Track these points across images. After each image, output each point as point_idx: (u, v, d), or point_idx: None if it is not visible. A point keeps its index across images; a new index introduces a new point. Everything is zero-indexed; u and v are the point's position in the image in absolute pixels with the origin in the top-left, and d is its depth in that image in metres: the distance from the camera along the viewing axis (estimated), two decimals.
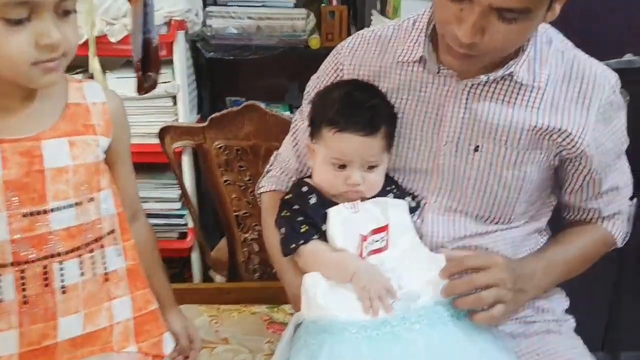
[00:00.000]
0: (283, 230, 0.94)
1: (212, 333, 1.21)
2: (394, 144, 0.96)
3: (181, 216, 1.90)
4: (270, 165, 1.14)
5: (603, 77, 0.91)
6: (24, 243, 0.73)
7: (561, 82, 0.90)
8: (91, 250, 0.79)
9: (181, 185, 1.50)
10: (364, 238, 0.88)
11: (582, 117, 0.89)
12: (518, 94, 0.90)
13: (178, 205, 1.89)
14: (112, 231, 0.83)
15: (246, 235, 1.45)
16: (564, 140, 0.90)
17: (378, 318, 0.83)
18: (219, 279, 1.63)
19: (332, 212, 0.90)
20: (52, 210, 0.74)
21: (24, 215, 0.72)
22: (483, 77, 0.88)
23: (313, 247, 0.90)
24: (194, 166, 1.82)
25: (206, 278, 1.88)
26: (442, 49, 0.87)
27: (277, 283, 1.30)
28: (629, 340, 1.83)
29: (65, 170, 0.75)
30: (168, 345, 0.91)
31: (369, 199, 0.93)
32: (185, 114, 1.79)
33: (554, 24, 0.92)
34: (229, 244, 1.48)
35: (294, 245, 0.91)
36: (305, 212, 0.92)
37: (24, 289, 0.73)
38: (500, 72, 0.88)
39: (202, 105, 2.05)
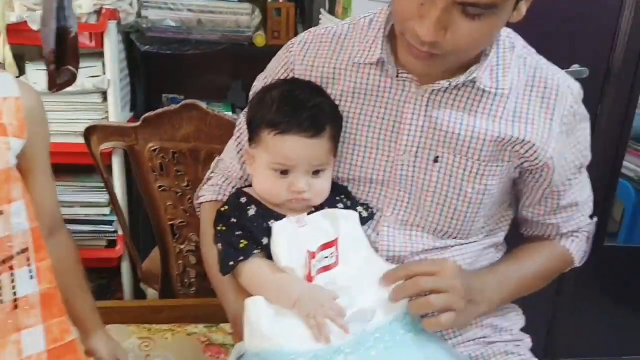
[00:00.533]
0: (219, 246, 0.84)
1: (142, 357, 1.09)
2: (347, 151, 0.89)
3: (110, 222, 1.75)
4: (211, 172, 1.04)
5: (566, 86, 0.87)
6: None
7: (523, 89, 0.86)
8: None
9: (109, 190, 1.36)
10: (312, 255, 0.79)
11: (545, 127, 0.85)
12: (480, 101, 0.85)
13: (106, 210, 1.74)
14: (25, 250, 0.71)
15: (182, 246, 1.33)
16: (526, 151, 0.85)
17: (330, 346, 0.75)
18: (150, 292, 1.50)
19: (276, 226, 0.82)
20: None
21: None
22: (444, 83, 0.83)
23: (253, 267, 0.81)
24: (125, 168, 1.68)
25: (137, 291, 1.73)
26: (402, 49, 0.81)
27: (216, 300, 1.19)
28: (568, 348, 1.87)
29: None
30: None
31: (316, 211, 0.85)
32: (116, 112, 1.64)
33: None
34: (162, 255, 1.35)
35: (232, 263, 0.82)
36: (244, 225, 0.83)
37: None
38: (462, 78, 0.83)
39: (135, 102, 1.90)
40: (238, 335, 0.83)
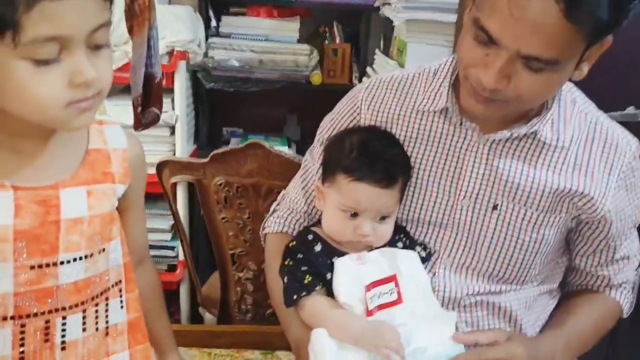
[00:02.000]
0: (286, 279, 0.90)
1: None
2: (409, 193, 0.93)
3: (172, 248, 1.85)
4: (277, 205, 1.10)
5: (625, 142, 0.90)
6: (27, 296, 0.67)
7: (584, 144, 0.88)
8: (97, 305, 0.74)
9: (175, 217, 1.45)
10: (367, 289, 0.84)
11: (604, 181, 0.88)
12: (540, 153, 0.88)
13: (168, 236, 1.85)
14: (118, 282, 0.78)
15: (240, 274, 1.41)
16: (585, 204, 0.88)
17: None
18: (208, 317, 1.58)
19: (338, 262, 0.87)
20: (61, 262, 0.69)
21: (32, 268, 0.67)
22: (506, 133, 0.87)
23: (315, 303, 0.87)
24: (188, 197, 1.79)
25: (194, 314, 1.82)
26: (464, 92, 0.84)
27: (272, 327, 1.27)
28: None
29: (80, 222, 0.70)
30: None
31: (376, 248, 0.90)
32: (182, 145, 1.76)
33: None
34: (222, 281, 1.43)
35: (295, 297, 0.87)
36: (310, 261, 0.89)
37: (21, 344, 0.68)
38: (523, 130, 0.86)
39: (199, 135, 2.02)
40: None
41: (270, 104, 2.11)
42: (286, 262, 0.91)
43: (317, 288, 0.87)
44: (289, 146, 2.01)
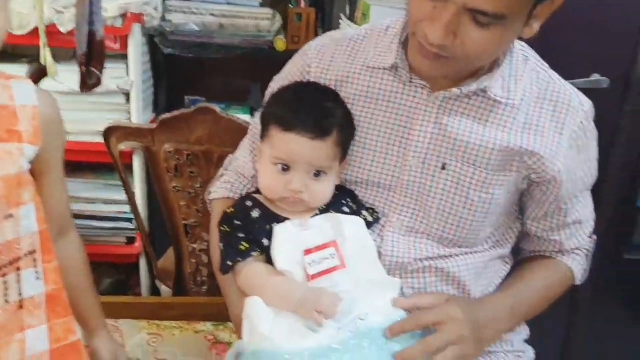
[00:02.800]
0: (221, 246, 0.87)
1: (150, 353, 1.12)
2: (356, 154, 0.90)
3: (130, 220, 1.80)
4: (224, 169, 1.06)
5: (578, 102, 0.87)
6: None
7: (534, 102, 0.86)
8: (4, 275, 0.69)
9: (126, 188, 1.40)
10: (305, 253, 0.81)
11: (555, 140, 0.85)
12: (491, 111, 0.85)
13: (127, 208, 1.79)
14: (32, 251, 0.73)
15: (194, 245, 1.36)
16: (534, 163, 0.85)
17: (325, 345, 0.76)
18: (164, 290, 1.53)
19: (278, 228, 0.83)
20: None
21: None
22: (456, 90, 0.84)
23: (252, 268, 0.83)
24: (147, 168, 1.73)
25: (154, 287, 1.78)
26: (412, 49, 0.82)
27: (223, 299, 1.24)
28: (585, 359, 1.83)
29: None
30: None
31: (320, 214, 0.86)
32: (138, 112, 1.69)
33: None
34: (176, 253, 1.39)
35: (230, 263, 0.84)
36: (247, 228, 0.85)
37: None
38: (473, 86, 0.84)
39: (157, 104, 1.95)
40: (240, 334, 0.85)
41: (233, 71, 2.05)
42: (223, 228, 0.87)
43: (254, 254, 0.83)
44: (252, 115, 1.95)
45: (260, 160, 0.88)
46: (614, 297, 1.74)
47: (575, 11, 1.50)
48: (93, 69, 1.15)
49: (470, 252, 0.91)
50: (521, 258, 1.00)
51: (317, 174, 0.84)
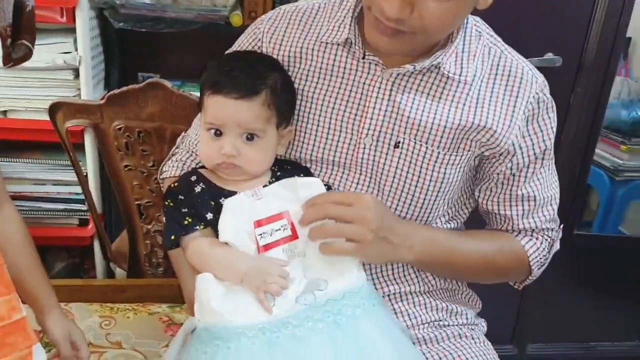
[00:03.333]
0: (165, 220, 0.85)
1: (102, 336, 1.09)
2: (311, 132, 0.89)
3: (82, 201, 1.73)
4: (176, 148, 1.03)
5: (530, 75, 0.87)
6: None
7: (487, 78, 0.86)
8: None
9: (75, 168, 1.35)
10: (255, 225, 0.80)
11: (508, 114, 0.85)
12: (444, 88, 0.85)
13: (79, 189, 1.72)
14: None
15: (149, 226, 1.33)
16: (487, 139, 0.85)
17: (278, 318, 0.76)
18: (119, 272, 1.50)
19: (227, 202, 0.81)
20: None
21: None
22: (409, 67, 0.83)
23: (197, 243, 0.82)
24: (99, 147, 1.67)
25: (109, 270, 1.73)
26: (368, 24, 0.80)
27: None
28: (535, 333, 1.90)
29: None
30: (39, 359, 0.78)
31: (276, 181, 0.85)
32: (88, 89, 1.62)
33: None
34: (130, 235, 1.35)
35: (173, 237, 0.82)
36: (190, 203, 0.83)
37: None
38: (427, 62, 0.83)
39: (110, 81, 1.87)
40: (192, 312, 0.84)
41: (189, 48, 1.98)
42: (167, 203, 0.85)
43: (198, 228, 0.81)
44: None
45: (201, 131, 0.86)
46: (564, 271, 1.80)
47: None
48: (24, 41, 1.08)
49: None
50: None
51: (251, 137, 0.82)
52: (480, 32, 0.88)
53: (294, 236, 0.81)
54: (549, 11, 1.53)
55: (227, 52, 0.97)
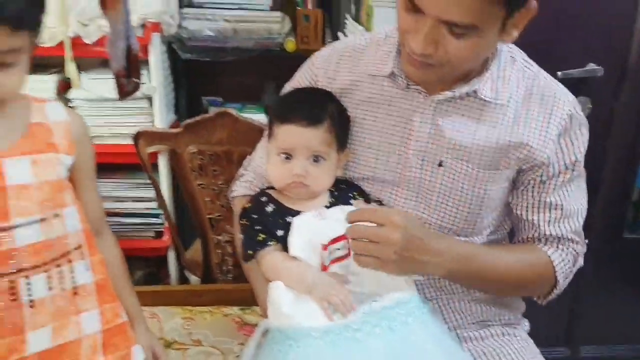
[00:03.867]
0: (242, 237, 0.98)
1: (185, 335, 1.24)
2: (362, 153, 0.99)
3: (157, 215, 1.92)
4: (244, 170, 1.16)
5: (563, 94, 0.95)
6: None
7: (522, 99, 0.94)
8: (58, 265, 0.81)
9: (154, 186, 1.52)
10: (324, 248, 0.91)
11: (543, 130, 0.93)
12: (482, 110, 0.93)
13: (154, 204, 1.91)
14: (79, 246, 0.85)
15: (219, 237, 1.48)
16: (525, 155, 0.93)
17: (340, 323, 0.87)
18: (194, 279, 1.66)
19: (296, 220, 0.93)
20: (16, 226, 0.76)
21: None
22: (449, 93, 0.92)
23: (271, 256, 0.94)
24: (171, 167, 1.85)
25: (182, 278, 1.91)
26: (403, 58, 0.90)
27: (250, 285, 1.36)
28: (589, 335, 1.92)
29: (26, 188, 0.77)
30: (137, 358, 0.93)
31: (331, 206, 0.97)
32: (161, 115, 1.81)
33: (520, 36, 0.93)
34: (203, 246, 1.51)
35: (250, 252, 0.95)
36: (262, 221, 0.96)
37: None
38: (465, 89, 0.92)
39: (178, 106, 2.07)
40: (265, 315, 0.96)
41: (247, 73, 2.15)
42: (242, 222, 0.98)
43: (271, 244, 0.94)
44: (267, 113, 2.05)
45: (268, 156, 0.99)
46: (615, 274, 1.82)
47: (571, 2, 1.57)
48: (134, 78, 1.29)
49: (470, 240, 0.99)
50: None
51: (317, 159, 0.95)
52: (514, 57, 0.96)
53: (349, 254, 0.91)
54: (589, 22, 1.56)
55: (285, 85, 1.10)
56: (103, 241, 0.93)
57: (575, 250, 0.99)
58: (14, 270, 0.76)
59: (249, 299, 1.32)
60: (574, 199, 0.98)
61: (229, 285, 1.47)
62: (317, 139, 0.94)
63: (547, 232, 0.98)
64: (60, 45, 1.66)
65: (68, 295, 0.83)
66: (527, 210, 0.99)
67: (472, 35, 0.80)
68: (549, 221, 0.97)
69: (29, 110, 0.81)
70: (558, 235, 0.98)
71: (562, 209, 0.97)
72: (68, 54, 1.60)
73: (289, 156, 0.95)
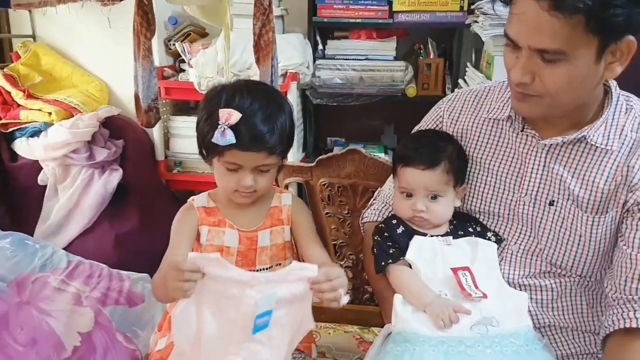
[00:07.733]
0: (375, 251, 1.12)
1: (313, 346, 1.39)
2: (480, 189, 1.10)
3: None
4: (374, 199, 1.32)
5: None
6: None
7: (633, 144, 0.98)
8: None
9: None
10: (454, 271, 1.01)
11: None
12: (593, 156, 0.99)
13: None
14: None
15: (342, 262, 1.63)
16: (633, 193, 0.96)
17: (455, 336, 0.96)
18: (314, 299, 1.81)
19: (415, 239, 1.06)
20: (257, 270, 1.09)
21: None
22: (559, 139, 1.00)
23: (399, 270, 1.06)
24: (298, 195, 2.05)
25: None
26: (512, 96, 1.00)
27: (368, 307, 1.49)
28: None
29: (266, 248, 1.11)
30: None
31: (450, 233, 1.08)
32: (293, 153, 2.04)
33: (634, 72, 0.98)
34: None
35: (383, 263, 1.08)
36: (393, 239, 1.09)
37: None
38: (574, 135, 0.99)
39: (306, 144, 2.30)
40: (388, 320, 1.07)
41: (370, 116, 2.33)
42: (376, 238, 1.12)
43: (401, 258, 1.07)
44: (386, 153, 2.21)
45: (394, 192, 1.14)
46: None
47: None
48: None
49: (581, 278, 1.03)
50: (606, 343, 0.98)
51: (434, 197, 1.07)
52: (631, 106, 1.01)
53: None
54: None
55: (416, 127, 1.23)
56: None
57: None
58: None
59: (368, 320, 1.46)
60: None
61: (350, 306, 1.61)
62: (433, 180, 1.06)
63: None
64: None
65: None
66: (633, 243, 0.96)
67: (562, 61, 0.87)
68: None
69: (271, 198, 1.15)
70: None
71: None
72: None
73: (409, 194, 1.08)
